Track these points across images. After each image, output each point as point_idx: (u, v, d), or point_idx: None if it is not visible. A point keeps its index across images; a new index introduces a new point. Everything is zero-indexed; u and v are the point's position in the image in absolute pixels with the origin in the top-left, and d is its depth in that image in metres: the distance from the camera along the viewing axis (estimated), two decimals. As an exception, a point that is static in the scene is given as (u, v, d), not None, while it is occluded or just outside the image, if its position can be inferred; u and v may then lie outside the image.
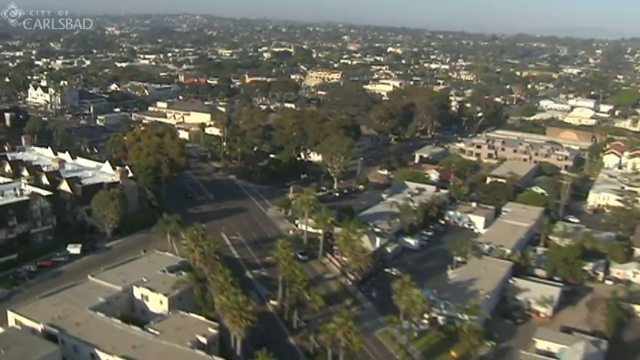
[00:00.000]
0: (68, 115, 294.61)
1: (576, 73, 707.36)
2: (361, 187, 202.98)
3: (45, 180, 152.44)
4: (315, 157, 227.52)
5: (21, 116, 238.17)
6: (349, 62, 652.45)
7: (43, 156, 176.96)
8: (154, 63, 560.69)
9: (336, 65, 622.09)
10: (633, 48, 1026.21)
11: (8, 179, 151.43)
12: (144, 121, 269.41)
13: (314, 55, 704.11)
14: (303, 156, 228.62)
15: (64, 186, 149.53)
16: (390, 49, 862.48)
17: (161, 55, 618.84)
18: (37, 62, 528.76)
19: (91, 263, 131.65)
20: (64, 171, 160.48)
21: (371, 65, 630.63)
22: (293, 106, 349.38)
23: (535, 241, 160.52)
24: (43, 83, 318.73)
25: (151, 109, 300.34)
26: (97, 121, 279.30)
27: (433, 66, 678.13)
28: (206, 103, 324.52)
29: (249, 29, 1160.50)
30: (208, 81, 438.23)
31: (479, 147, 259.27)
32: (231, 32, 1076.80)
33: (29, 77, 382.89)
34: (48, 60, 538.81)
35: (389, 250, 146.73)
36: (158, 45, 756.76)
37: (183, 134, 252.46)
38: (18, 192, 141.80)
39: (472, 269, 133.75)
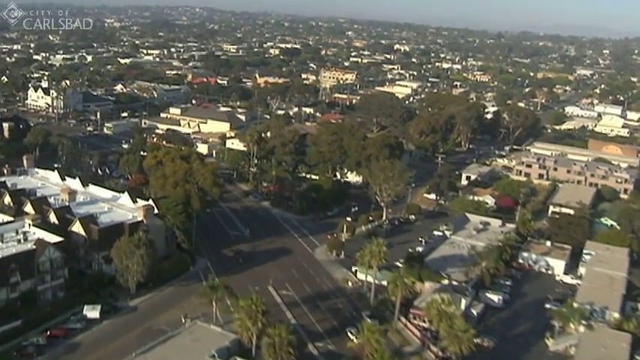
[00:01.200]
0: (72, 120, 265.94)
1: (589, 75, 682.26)
2: (412, 217, 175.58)
3: (53, 218, 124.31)
4: (354, 178, 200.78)
5: (21, 126, 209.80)
6: (359, 60, 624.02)
7: (49, 182, 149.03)
8: (158, 59, 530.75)
9: (346, 64, 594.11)
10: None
11: (9, 218, 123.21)
12: (156, 131, 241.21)
13: (322, 52, 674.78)
14: (339, 176, 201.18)
15: (77, 227, 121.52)
16: (396, 46, 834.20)
17: (165, 51, 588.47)
18: (35, 57, 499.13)
19: (113, 331, 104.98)
20: (75, 204, 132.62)
21: (382, 64, 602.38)
22: (312, 110, 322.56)
23: (634, 296, 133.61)
24: (44, 84, 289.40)
25: (163, 115, 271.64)
26: (105, 129, 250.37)
27: (445, 65, 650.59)
28: (222, 109, 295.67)
29: (250, 23, 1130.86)
30: (218, 80, 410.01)
31: (529, 166, 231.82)
32: (232, 26, 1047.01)
33: (28, 76, 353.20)
34: (47, 54, 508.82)
35: (474, 312, 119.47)
36: (160, 39, 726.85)
37: (202, 147, 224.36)
38: (21, 237, 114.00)
39: (586, 345, 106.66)
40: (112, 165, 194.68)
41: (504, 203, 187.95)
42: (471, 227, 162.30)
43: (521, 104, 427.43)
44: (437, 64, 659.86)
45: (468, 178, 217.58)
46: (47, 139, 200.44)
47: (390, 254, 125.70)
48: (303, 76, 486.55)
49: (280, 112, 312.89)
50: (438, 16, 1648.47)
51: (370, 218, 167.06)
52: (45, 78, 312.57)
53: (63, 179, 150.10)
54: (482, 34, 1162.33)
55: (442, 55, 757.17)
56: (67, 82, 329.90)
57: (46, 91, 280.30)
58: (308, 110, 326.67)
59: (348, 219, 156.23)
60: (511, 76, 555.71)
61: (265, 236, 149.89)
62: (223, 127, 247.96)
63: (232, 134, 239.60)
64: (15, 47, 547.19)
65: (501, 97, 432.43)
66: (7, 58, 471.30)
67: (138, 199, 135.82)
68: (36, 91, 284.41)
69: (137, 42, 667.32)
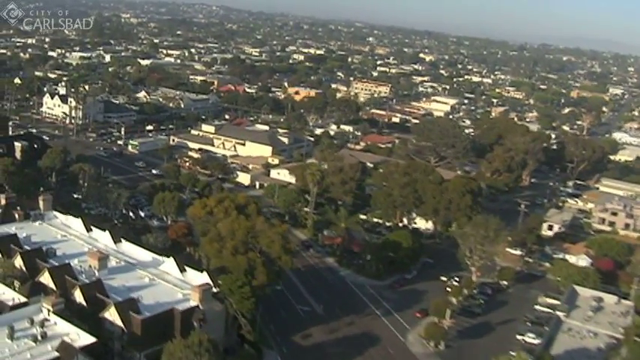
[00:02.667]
0: (92, 134, 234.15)
1: (620, 94, 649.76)
2: (505, 282, 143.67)
3: (79, 297, 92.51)
4: (424, 224, 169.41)
5: (36, 145, 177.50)
6: (387, 70, 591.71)
7: (71, 233, 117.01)
8: (179, 61, 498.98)
9: (374, 73, 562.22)
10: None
11: (21, 298, 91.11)
12: (189, 153, 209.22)
13: (348, 59, 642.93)
14: (407, 222, 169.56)
15: (112, 314, 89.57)
16: (420, 54, 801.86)
17: (185, 52, 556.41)
18: (50, 53, 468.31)
19: None
20: (107, 273, 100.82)
21: (411, 75, 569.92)
22: (351, 129, 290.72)
23: None
24: (61, 90, 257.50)
25: (194, 132, 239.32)
26: (129, 146, 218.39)
27: (475, 79, 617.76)
28: (258, 126, 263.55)
29: (269, 24, 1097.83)
30: (246, 89, 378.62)
31: (614, 214, 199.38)
32: (251, 26, 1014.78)
33: (43, 76, 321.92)
34: (63, 51, 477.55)
35: None
36: (179, 38, 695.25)
37: (243, 177, 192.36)
38: (38, 332, 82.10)
39: None
40: (142, 199, 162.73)
41: (604, 266, 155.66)
42: (585, 305, 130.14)
43: (565, 127, 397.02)
44: (466, 76, 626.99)
45: (550, 227, 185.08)
46: (67, 164, 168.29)
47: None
48: (332, 85, 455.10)
49: (319, 130, 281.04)
50: (452, 23, 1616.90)
51: (457, 279, 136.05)
52: (62, 84, 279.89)
53: (89, 230, 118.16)
54: (504, 46, 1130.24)
55: (469, 67, 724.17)
56: (86, 87, 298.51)
57: (64, 99, 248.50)
58: (347, 128, 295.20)
59: (440, 301, 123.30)
60: (547, 95, 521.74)
61: (341, 314, 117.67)
62: (264, 150, 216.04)
63: (275, 160, 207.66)
64: (30, 41, 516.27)
65: (544, 118, 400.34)
66: (22, 54, 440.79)
67: (186, 267, 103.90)
68: (52, 98, 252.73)
69: (156, 40, 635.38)
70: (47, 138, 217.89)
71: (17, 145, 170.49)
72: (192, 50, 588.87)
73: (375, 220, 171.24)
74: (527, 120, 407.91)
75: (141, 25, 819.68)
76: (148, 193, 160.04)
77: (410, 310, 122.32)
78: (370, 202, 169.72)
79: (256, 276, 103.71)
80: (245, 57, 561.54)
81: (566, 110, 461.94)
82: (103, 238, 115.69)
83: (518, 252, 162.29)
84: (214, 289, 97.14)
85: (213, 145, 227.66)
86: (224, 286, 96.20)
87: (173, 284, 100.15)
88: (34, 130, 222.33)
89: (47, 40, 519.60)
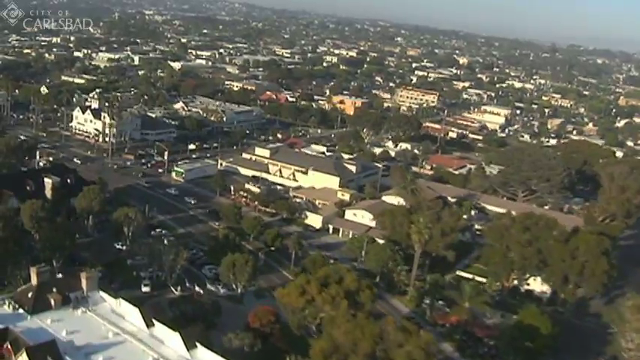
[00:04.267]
0: (129, 156, 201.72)
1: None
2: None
3: None
4: (539, 286, 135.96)
5: (69, 179, 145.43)
6: (426, 75, 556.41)
7: (126, 329, 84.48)
8: (210, 63, 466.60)
9: (413, 79, 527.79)
10: None
11: None
12: (246, 185, 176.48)
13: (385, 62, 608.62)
14: (517, 282, 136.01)
15: None
16: (453, 56, 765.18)
17: (216, 53, 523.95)
18: (76, 53, 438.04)
19: None
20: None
21: (452, 81, 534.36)
22: (409, 146, 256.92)
23: None
24: (94, 104, 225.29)
25: (245, 155, 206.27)
26: (173, 173, 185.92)
27: (516, 84, 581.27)
28: (314, 146, 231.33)
29: (294, 22, 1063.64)
30: (288, 98, 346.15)
31: None
32: (276, 25, 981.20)
33: (70, 86, 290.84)
34: (89, 51, 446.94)
35: None
36: (206, 37, 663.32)
37: (313, 218, 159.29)
38: None
39: None
40: (200, 252, 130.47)
41: None
42: None
43: (629, 143, 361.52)
44: (507, 81, 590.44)
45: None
46: (106, 207, 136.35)
47: None
48: (374, 92, 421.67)
49: (376, 149, 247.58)
50: (477, 23, 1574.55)
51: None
52: (94, 94, 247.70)
53: (149, 325, 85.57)
54: (534, 47, 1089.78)
55: (507, 71, 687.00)
56: (119, 96, 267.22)
57: (97, 114, 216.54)
58: (405, 145, 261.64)
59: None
60: (600, 104, 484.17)
61: None
62: (330, 181, 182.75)
63: (345, 194, 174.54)
64: (54, 40, 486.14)
65: (607, 133, 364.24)
66: (47, 54, 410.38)
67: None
68: (83, 112, 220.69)
69: (183, 40, 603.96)
70: (79, 162, 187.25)
71: (47, 181, 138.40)
72: (222, 51, 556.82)
73: (473, 275, 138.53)
74: (588, 134, 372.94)
75: (166, 23, 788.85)
76: (210, 249, 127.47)
77: None
78: (463, 253, 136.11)
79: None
80: (278, 58, 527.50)
81: (622, 122, 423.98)
82: (169, 338, 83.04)
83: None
84: None
85: (268, 172, 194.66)
86: None
87: None
88: (62, 154, 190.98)
89: (72, 39, 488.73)
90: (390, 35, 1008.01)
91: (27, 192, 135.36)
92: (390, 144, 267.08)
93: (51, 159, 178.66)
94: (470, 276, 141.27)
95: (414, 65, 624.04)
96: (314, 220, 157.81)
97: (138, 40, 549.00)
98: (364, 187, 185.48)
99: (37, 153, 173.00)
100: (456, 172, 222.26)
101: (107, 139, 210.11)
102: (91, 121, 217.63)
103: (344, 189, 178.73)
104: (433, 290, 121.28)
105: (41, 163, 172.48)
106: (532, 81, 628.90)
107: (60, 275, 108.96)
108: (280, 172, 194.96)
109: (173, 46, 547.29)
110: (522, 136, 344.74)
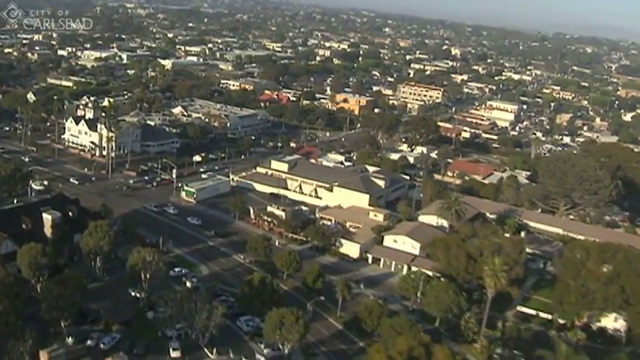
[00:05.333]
0: (131, 172, 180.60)
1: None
2: None
3: None
4: (612, 323, 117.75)
5: (71, 212, 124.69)
6: (422, 67, 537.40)
7: None
8: (201, 60, 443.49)
9: (410, 72, 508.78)
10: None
11: None
12: (269, 209, 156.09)
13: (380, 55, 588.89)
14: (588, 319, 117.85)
15: None
16: (444, 47, 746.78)
17: (206, 49, 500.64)
18: (60, 51, 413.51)
19: None
20: None
21: (450, 74, 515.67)
22: (424, 150, 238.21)
23: None
24: (88, 112, 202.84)
25: (260, 170, 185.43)
26: (183, 194, 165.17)
27: (514, 76, 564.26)
28: (331, 155, 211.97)
29: (279, 14, 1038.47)
30: (290, 97, 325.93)
31: None
32: (262, 17, 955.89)
33: (59, 90, 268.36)
34: (74, 49, 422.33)
35: None
36: (193, 32, 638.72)
37: (350, 247, 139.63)
38: None
39: None
40: (230, 299, 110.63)
41: None
42: None
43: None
44: (503, 73, 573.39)
45: None
46: (113, 243, 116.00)
47: None
48: (374, 88, 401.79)
49: (394, 155, 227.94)
50: (463, 12, 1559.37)
51: None
52: (86, 101, 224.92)
53: None
54: (522, 36, 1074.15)
55: (501, 62, 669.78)
56: (114, 102, 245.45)
57: (92, 125, 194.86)
58: (420, 149, 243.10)
59: None
60: (602, 97, 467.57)
61: None
62: (358, 198, 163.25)
63: (378, 215, 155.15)
64: (36, 37, 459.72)
65: (621, 130, 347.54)
66: (29, 54, 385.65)
67: None
68: (77, 123, 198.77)
69: (170, 35, 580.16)
70: (76, 181, 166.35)
71: (47, 217, 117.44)
72: (211, 46, 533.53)
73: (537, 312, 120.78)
74: (599, 130, 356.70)
75: (150, 17, 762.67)
76: (242, 292, 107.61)
77: None
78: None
79: None
80: (271, 53, 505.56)
81: (628, 115, 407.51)
82: None
83: None
84: None
85: (286, 189, 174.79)
86: None
87: None
88: (57, 173, 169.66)
89: (55, 35, 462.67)
90: (377, 26, 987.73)
91: (23, 231, 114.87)
92: (404, 147, 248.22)
93: (46, 183, 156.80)
94: (533, 312, 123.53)
95: (407, 57, 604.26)
96: (350, 249, 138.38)
97: (123, 36, 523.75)
98: (397, 204, 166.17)
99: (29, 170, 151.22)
100: (485, 181, 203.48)
101: (105, 152, 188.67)
102: (85, 133, 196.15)
103: (376, 208, 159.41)
104: (510, 339, 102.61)
105: (35, 187, 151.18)
106: (528, 72, 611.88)
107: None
108: (300, 188, 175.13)
109: (160, 42, 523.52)
110: (534, 134, 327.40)
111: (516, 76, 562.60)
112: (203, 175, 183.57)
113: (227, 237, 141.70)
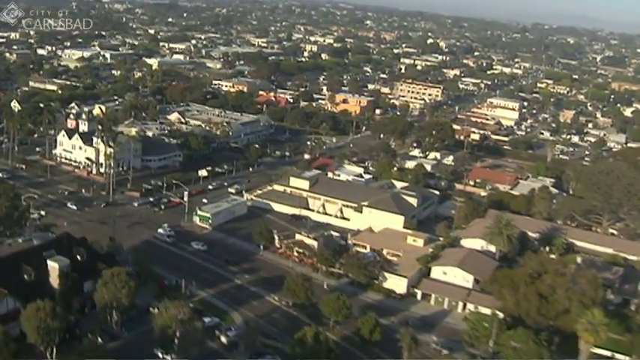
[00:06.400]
0: (134, 193, 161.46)
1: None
2: None
3: None
4: None
5: (79, 256, 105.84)
6: (412, 63, 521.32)
7: None
8: (187, 58, 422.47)
9: (401, 67, 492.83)
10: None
11: None
12: (297, 237, 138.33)
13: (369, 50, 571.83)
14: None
15: None
16: (430, 40, 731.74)
17: (191, 46, 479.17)
18: (40, 51, 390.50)
19: None
20: None
21: (441, 69, 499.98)
22: (438, 155, 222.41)
23: None
24: (83, 125, 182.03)
25: (277, 187, 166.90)
26: (197, 219, 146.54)
27: (505, 70, 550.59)
28: (347, 166, 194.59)
29: (258, 7, 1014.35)
30: (288, 99, 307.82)
31: None
32: (241, 10, 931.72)
33: (44, 95, 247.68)
34: (54, 48, 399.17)
35: None
36: (174, 27, 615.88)
37: (395, 282, 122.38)
38: None
39: None
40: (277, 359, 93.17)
41: None
42: None
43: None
44: (494, 67, 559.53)
45: None
46: (133, 295, 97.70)
47: None
48: (369, 86, 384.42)
49: (409, 163, 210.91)
50: (442, 3, 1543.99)
51: None
52: (77, 110, 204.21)
53: None
54: (503, 27, 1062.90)
55: (489, 55, 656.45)
56: (100, 108, 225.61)
57: (87, 139, 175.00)
58: (433, 155, 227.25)
59: None
60: (599, 91, 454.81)
61: None
62: (392, 220, 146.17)
63: (417, 240, 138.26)
64: (12, 36, 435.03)
65: (624, 126, 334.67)
66: (7, 54, 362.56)
67: None
68: (70, 137, 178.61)
69: (151, 31, 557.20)
70: (74, 207, 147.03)
71: (53, 266, 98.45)
72: (194, 42, 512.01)
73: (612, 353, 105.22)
74: (603, 127, 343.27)
75: (128, 12, 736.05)
76: (292, 352, 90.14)
77: None
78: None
79: None
80: (258, 50, 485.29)
81: (628, 111, 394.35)
82: None
83: None
84: None
85: (308, 209, 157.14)
86: None
87: None
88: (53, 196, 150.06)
89: (32, 33, 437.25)
90: (358, 18, 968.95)
91: (26, 283, 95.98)
92: (415, 152, 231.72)
93: (44, 213, 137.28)
94: (607, 353, 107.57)
95: (395, 52, 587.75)
96: (396, 284, 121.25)
97: (103, 33, 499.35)
98: (429, 223, 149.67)
99: (27, 203, 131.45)
100: (514, 192, 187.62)
101: (103, 169, 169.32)
102: (80, 148, 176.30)
103: (414, 232, 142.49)
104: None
105: (33, 216, 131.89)
106: (517, 65, 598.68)
107: None
108: (324, 208, 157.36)
109: (142, 39, 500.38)
110: (542, 134, 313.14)
111: (507, 70, 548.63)
112: (211, 191, 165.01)
113: (255, 273, 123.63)
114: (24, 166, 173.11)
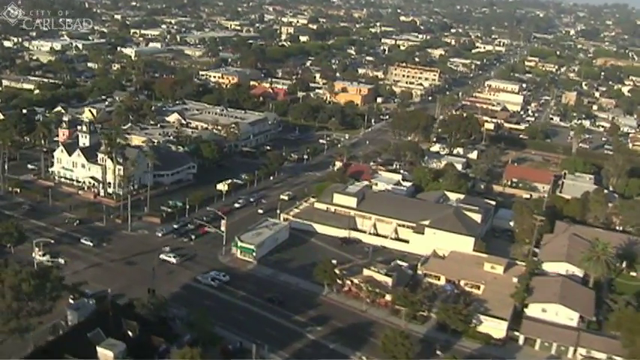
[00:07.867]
0: (153, 219, 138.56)
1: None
2: None
3: None
4: None
5: (131, 331, 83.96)
6: (394, 43, 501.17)
7: None
8: (164, 46, 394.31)
9: (385, 49, 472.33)
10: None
11: None
12: (366, 272, 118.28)
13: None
14: None
15: None
16: (402, 17, 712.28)
17: (165, 32, 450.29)
18: (5, 42, 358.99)
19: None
20: None
21: (425, 49, 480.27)
22: (472, 154, 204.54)
23: None
24: (82, 138, 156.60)
25: (319, 205, 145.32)
26: (237, 252, 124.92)
27: (489, 48, 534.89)
28: (383, 174, 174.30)
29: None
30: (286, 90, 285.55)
31: None
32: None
33: (24, 97, 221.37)
34: (20, 39, 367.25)
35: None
36: (141, 11, 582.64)
37: (491, 326, 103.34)
38: None
39: None
40: None
41: None
42: None
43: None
44: (477, 45, 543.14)
45: None
46: None
47: None
48: (360, 70, 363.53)
49: (436, 164, 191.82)
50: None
51: None
52: (83, 129, 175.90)
53: None
54: (468, 0, 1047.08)
55: (467, 31, 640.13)
56: (93, 111, 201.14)
57: (90, 155, 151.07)
58: (456, 150, 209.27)
59: None
60: (590, 69, 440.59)
61: None
62: (459, 242, 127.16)
63: (495, 267, 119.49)
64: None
65: (631, 107, 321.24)
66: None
67: None
68: (70, 154, 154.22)
69: (117, 16, 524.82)
70: (90, 243, 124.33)
71: (105, 354, 76.39)
72: (164, 27, 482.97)
73: None
74: (607, 108, 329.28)
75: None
76: None
77: None
78: None
79: None
80: (234, 34, 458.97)
81: (625, 89, 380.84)
82: None
83: None
84: None
85: (356, 230, 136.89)
86: None
87: None
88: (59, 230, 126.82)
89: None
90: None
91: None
92: (436, 147, 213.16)
93: (62, 261, 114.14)
94: None
95: (372, 30, 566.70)
96: (493, 328, 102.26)
97: (69, 21, 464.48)
98: (492, 242, 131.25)
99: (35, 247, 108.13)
100: (563, 194, 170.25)
101: (111, 189, 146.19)
102: (83, 166, 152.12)
103: (490, 257, 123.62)
104: None
105: (38, 256, 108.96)
106: (497, 42, 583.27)
107: None
108: (375, 228, 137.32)
109: (111, 26, 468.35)
110: (552, 119, 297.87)
111: (489, 47, 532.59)
112: (238, 209, 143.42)
113: (326, 322, 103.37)
114: (18, 190, 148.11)
